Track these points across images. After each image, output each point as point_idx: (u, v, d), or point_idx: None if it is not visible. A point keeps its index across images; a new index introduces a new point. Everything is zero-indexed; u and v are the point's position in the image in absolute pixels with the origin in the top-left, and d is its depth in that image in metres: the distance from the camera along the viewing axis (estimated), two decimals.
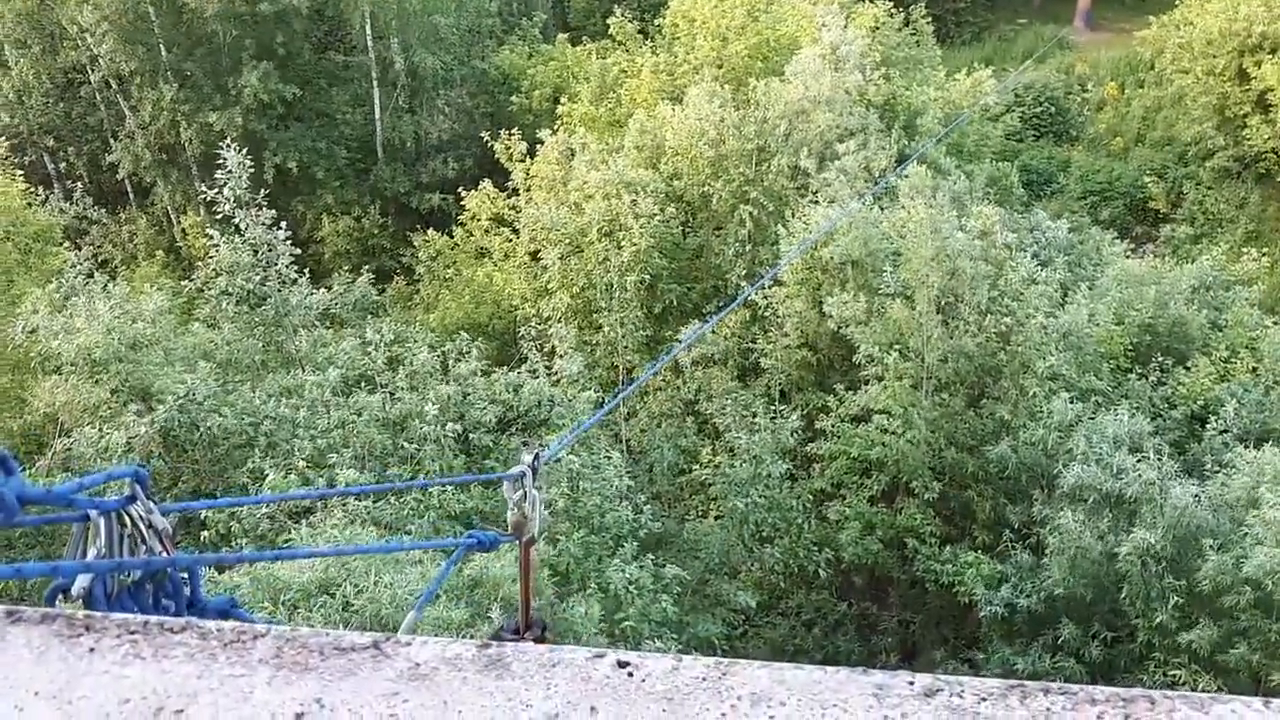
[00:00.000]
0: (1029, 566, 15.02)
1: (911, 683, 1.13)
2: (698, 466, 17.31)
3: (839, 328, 18.49)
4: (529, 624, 3.76)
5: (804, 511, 15.48)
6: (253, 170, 18.84)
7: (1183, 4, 33.51)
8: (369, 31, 32.53)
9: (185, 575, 2.07)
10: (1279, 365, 19.13)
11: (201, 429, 14.74)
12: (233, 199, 17.96)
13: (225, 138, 22.58)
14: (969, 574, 14.77)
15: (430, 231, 27.24)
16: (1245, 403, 17.69)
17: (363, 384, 15.99)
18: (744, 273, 22.29)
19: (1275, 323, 21.15)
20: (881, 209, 21.00)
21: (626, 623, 11.39)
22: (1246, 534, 13.50)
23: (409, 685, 1.16)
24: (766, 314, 20.41)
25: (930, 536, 16.06)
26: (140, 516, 1.97)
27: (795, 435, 15.98)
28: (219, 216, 19.06)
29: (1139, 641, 13.80)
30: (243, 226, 18.13)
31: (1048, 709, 1.06)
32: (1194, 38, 32.55)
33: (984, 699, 1.07)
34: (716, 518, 15.84)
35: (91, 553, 1.93)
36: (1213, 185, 31.33)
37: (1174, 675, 13.16)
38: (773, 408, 17.59)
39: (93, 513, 1.94)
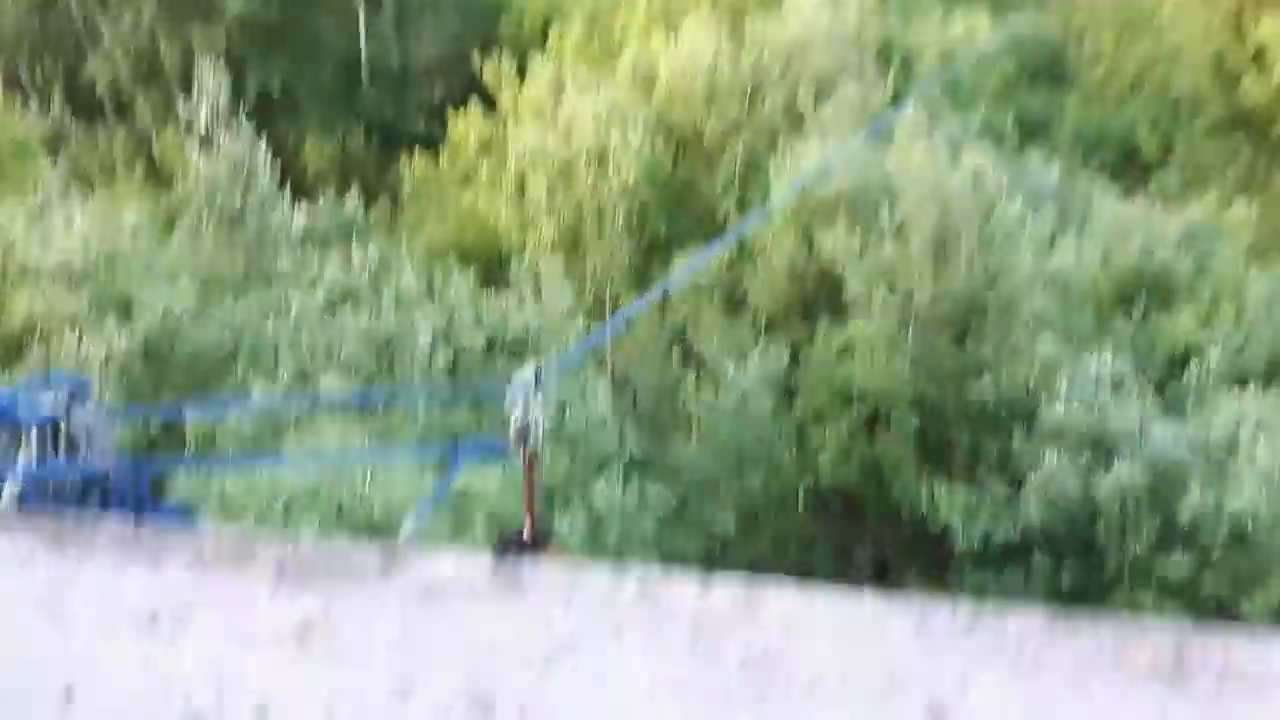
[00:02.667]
0: (1004, 499, 15.21)
1: (953, 613, 1.07)
2: (682, 396, 17.31)
3: (828, 263, 18.42)
4: (535, 532, 3.70)
5: (786, 440, 15.56)
6: (234, 90, 18.47)
7: None
8: None
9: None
10: (1261, 313, 19.27)
11: (182, 343, 14.57)
12: (210, 116, 17.60)
13: (205, 56, 22.03)
14: (945, 506, 14.94)
15: (417, 154, 26.79)
16: (1226, 347, 17.83)
17: (348, 303, 15.83)
18: (734, 206, 22.11)
19: (1261, 270, 21.24)
20: (876, 148, 20.81)
21: (609, 540, 11.46)
22: (1232, 471, 13.72)
23: (421, 602, 1.08)
24: (755, 247, 20.28)
25: (908, 466, 16.21)
26: (80, 424, 1.79)
27: (781, 368, 15.99)
28: (197, 134, 18.68)
29: (1109, 571, 14.07)
30: (221, 144, 17.80)
31: (1098, 644, 0.99)
32: None
33: (1027, 633, 1.01)
34: (699, 443, 15.89)
35: (22, 458, 1.76)
36: (1204, 137, 31.22)
37: (1142, 604, 13.44)
38: (759, 339, 17.57)
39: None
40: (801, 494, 14.98)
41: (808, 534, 16.68)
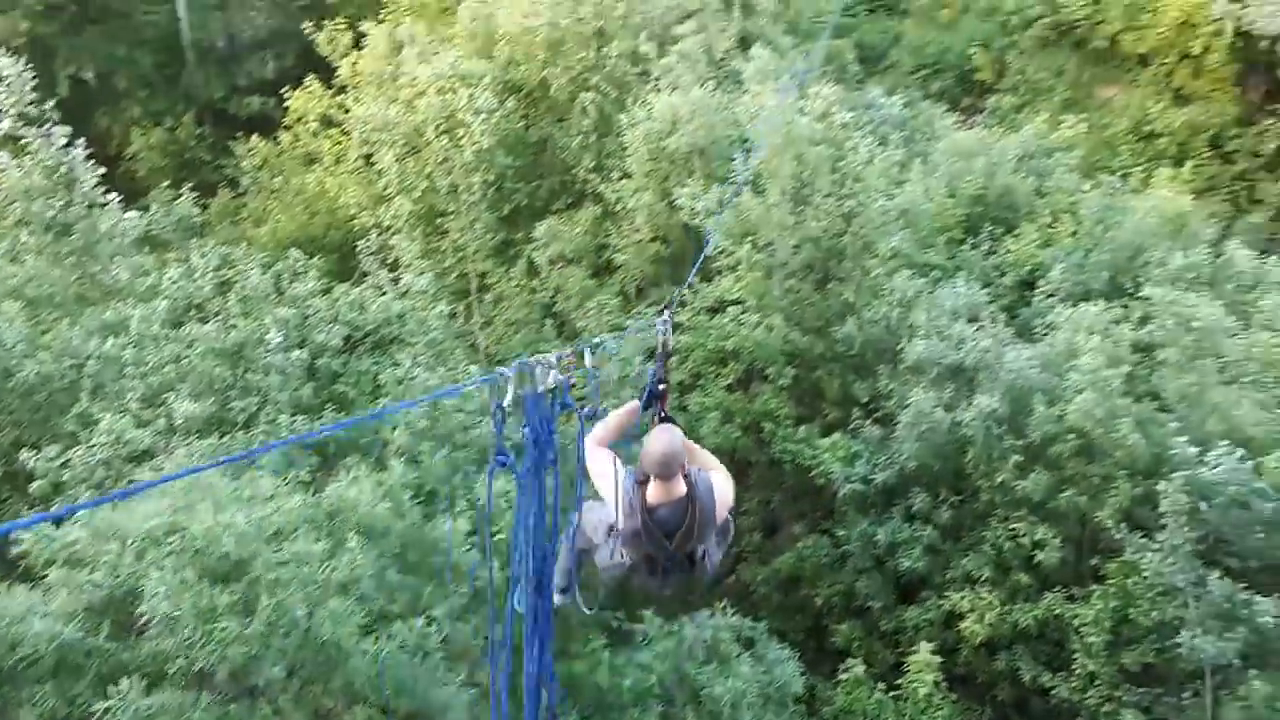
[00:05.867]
0: (879, 439, 15.75)
1: None
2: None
3: (689, 219, 18.44)
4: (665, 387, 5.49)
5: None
6: (39, 81, 17.07)
7: None
8: None
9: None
10: (1097, 228, 20.33)
11: (16, 377, 13.52)
12: (15, 115, 16.18)
13: (3, 46, 20.22)
14: (826, 456, 15.36)
15: (254, 138, 25.42)
16: (1068, 265, 18.77)
17: (193, 312, 14.98)
18: (592, 165, 21.82)
19: (1093, 185, 22.38)
20: (726, 93, 20.81)
21: (499, 535, 11.34)
22: (1069, 386, 14.56)
23: None
24: (618, 209, 20.12)
25: (785, 419, 16.58)
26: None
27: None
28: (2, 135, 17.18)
29: (982, 500, 14.79)
30: (33, 147, 16.42)
31: None
32: None
33: None
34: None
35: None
36: (1033, 53, 32.46)
37: (1014, 529, 14.20)
38: (629, 305, 17.53)
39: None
40: None
41: None
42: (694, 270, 8.10)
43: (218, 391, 13.34)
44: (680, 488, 4.73)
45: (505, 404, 4.29)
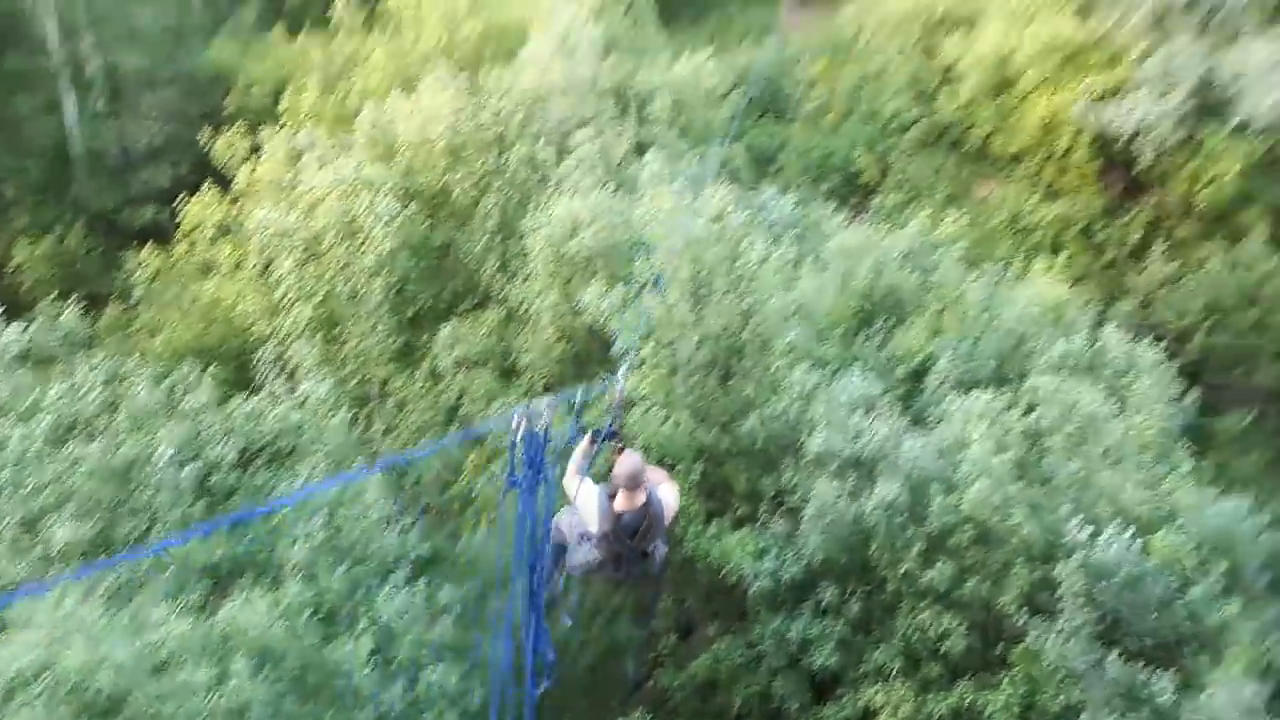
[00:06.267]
0: (786, 534, 15.89)
1: None
2: (465, 476, 16.96)
3: (593, 321, 18.64)
4: (620, 430, 7.19)
5: None
6: None
7: None
8: (55, 29, 29.17)
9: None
10: (983, 316, 21.27)
11: None
12: None
13: None
14: (737, 554, 15.40)
15: (147, 248, 24.85)
16: (957, 354, 19.53)
17: (78, 430, 14.37)
18: (496, 266, 21.95)
19: (976, 277, 23.49)
20: (626, 197, 21.32)
21: (401, 655, 10.98)
22: (963, 475, 15.01)
23: None
24: (522, 311, 20.22)
25: (696, 515, 16.61)
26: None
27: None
28: None
29: (889, 591, 14.98)
30: None
31: None
32: (887, 16, 35.62)
33: None
34: (491, 526, 15.58)
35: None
36: (914, 154, 34.33)
37: (921, 619, 14.38)
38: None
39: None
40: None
41: (611, 602, 16.71)
42: (625, 367, 9.39)
43: (104, 511, 12.75)
44: (641, 497, 6.46)
45: (517, 440, 6.18)
